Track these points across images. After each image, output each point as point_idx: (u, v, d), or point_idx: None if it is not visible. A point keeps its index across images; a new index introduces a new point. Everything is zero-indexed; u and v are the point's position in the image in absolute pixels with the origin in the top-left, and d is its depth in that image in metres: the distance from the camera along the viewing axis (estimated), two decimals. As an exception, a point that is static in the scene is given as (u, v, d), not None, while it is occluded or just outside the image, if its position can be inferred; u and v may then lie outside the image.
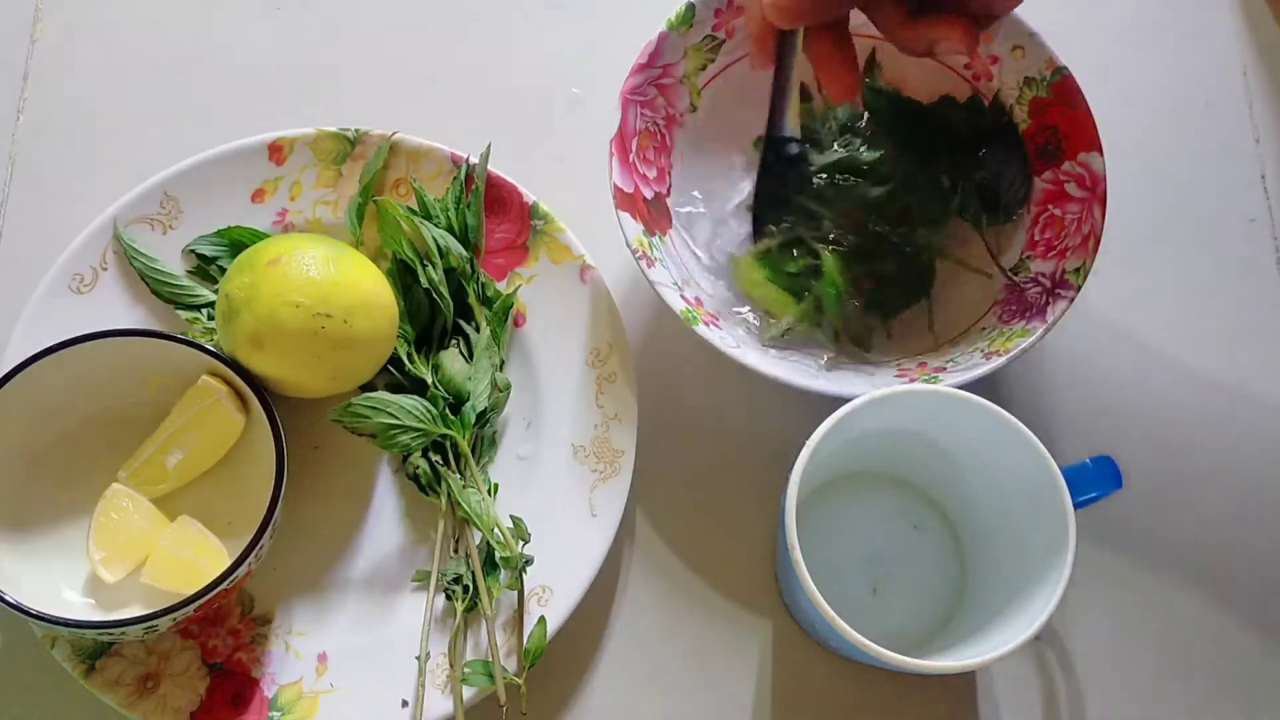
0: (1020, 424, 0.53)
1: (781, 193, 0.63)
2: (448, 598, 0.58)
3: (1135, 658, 0.61)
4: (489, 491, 0.59)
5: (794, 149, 0.62)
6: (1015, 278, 0.61)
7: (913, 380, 0.58)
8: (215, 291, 0.60)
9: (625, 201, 0.59)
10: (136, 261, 0.61)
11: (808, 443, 0.52)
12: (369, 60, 0.72)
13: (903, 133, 0.64)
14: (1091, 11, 0.74)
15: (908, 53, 0.54)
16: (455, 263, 0.61)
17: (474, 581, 0.57)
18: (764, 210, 0.63)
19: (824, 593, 0.50)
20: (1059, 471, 0.52)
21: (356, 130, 0.64)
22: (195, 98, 0.70)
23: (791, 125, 0.61)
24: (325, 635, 0.58)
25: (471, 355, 0.61)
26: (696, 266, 0.63)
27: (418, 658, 0.56)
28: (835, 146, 0.63)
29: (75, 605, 0.55)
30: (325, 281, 0.56)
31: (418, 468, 0.59)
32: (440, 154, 0.64)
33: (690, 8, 0.62)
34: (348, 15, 0.73)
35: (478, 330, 0.61)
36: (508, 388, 0.61)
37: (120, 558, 0.56)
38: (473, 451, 0.60)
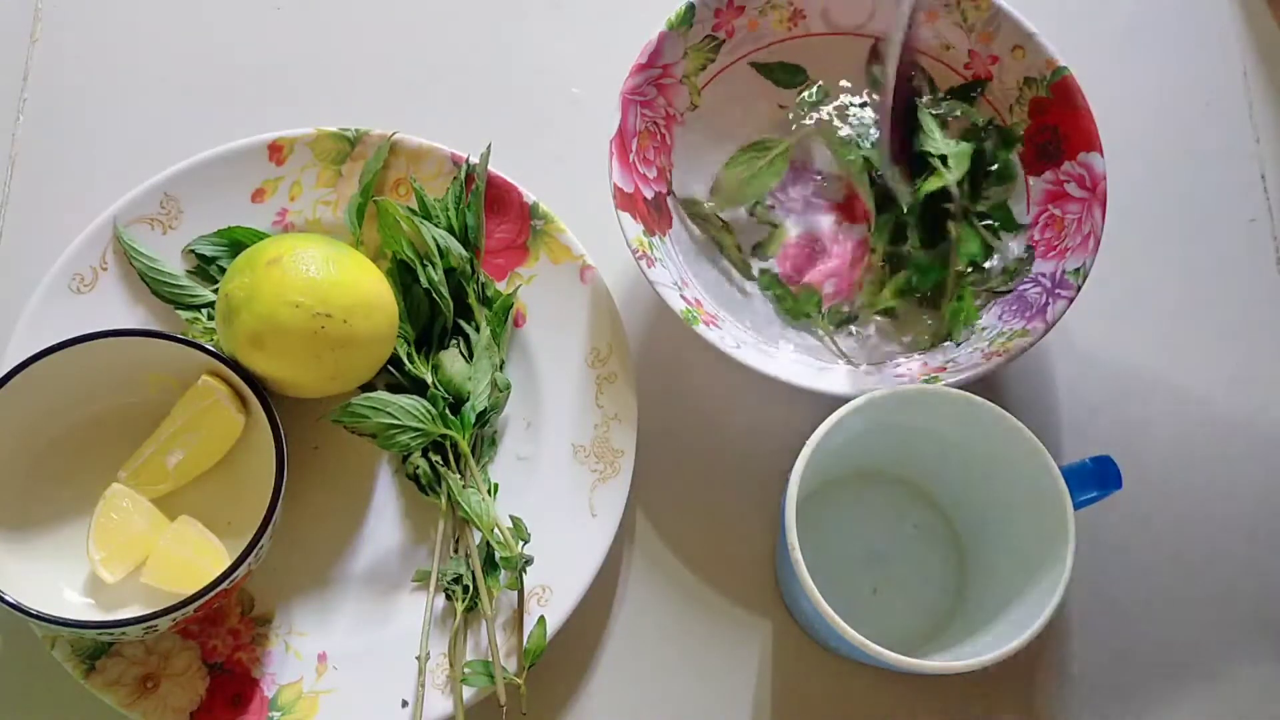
0: (1020, 424, 0.53)
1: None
2: (448, 598, 0.58)
3: (1135, 658, 0.61)
4: (489, 491, 0.59)
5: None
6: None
7: (913, 380, 0.58)
8: (215, 291, 0.60)
9: (625, 201, 0.59)
10: (136, 261, 0.61)
11: (808, 443, 0.52)
12: (369, 60, 0.72)
13: None
14: (1091, 11, 0.74)
15: None
16: (455, 263, 0.61)
17: (474, 581, 0.57)
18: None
19: (824, 593, 0.50)
20: (1059, 471, 0.52)
21: (356, 130, 0.64)
22: (195, 98, 0.70)
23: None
24: (325, 635, 0.58)
25: (471, 355, 0.61)
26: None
27: (418, 658, 0.56)
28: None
29: (75, 605, 0.55)
30: (325, 281, 0.56)
31: (418, 468, 0.59)
32: (440, 154, 0.64)
33: (690, 8, 0.62)
34: (348, 15, 0.73)
35: (478, 330, 0.61)
36: (508, 388, 0.61)
37: (120, 558, 0.56)
38: (473, 451, 0.60)
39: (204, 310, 0.61)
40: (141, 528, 0.56)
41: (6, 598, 0.52)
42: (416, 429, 0.58)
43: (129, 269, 0.62)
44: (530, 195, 0.63)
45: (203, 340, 0.58)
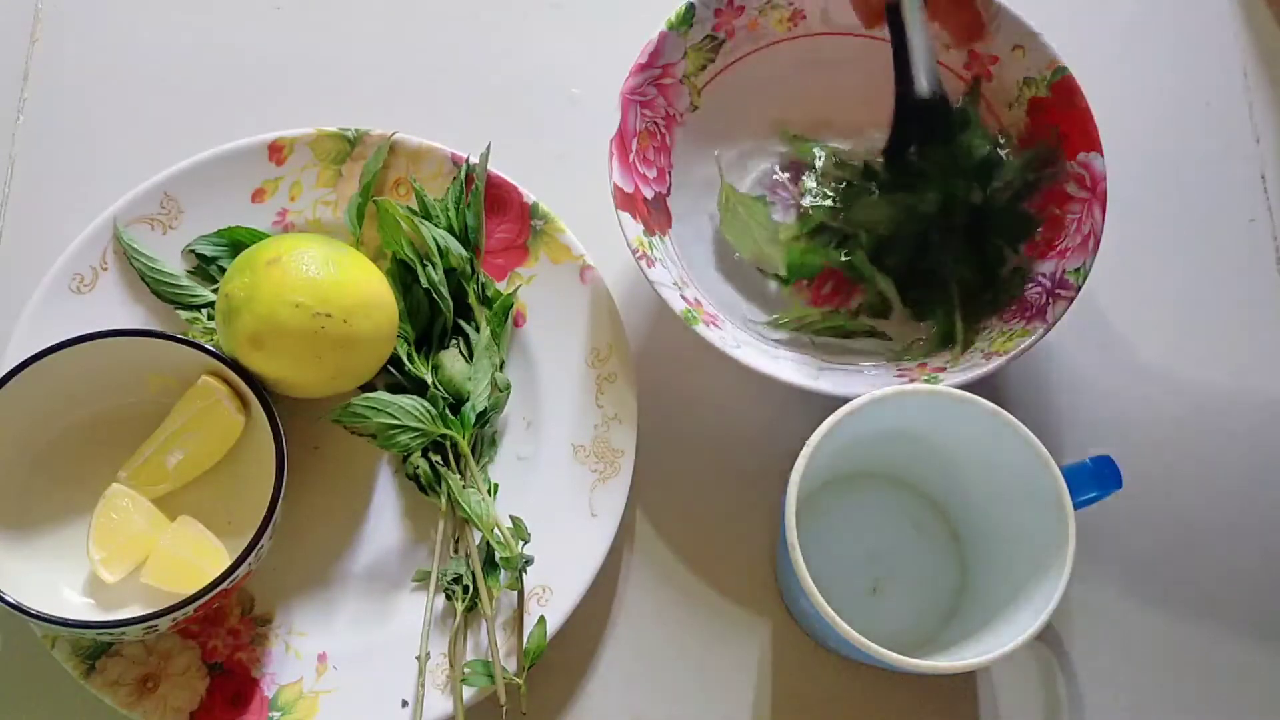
0: (1020, 424, 0.53)
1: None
2: (448, 598, 0.58)
3: (1135, 658, 0.61)
4: (489, 491, 0.59)
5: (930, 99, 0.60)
6: None
7: (913, 380, 0.58)
8: (215, 291, 0.60)
9: (625, 201, 0.59)
10: (136, 261, 0.61)
11: (808, 443, 0.52)
12: (369, 60, 0.72)
13: None
14: (1091, 11, 0.74)
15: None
16: (455, 263, 0.61)
17: (474, 581, 0.57)
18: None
19: (824, 593, 0.50)
20: (1059, 471, 0.52)
21: (356, 130, 0.64)
22: (195, 98, 0.70)
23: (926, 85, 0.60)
24: (325, 635, 0.58)
25: (471, 355, 0.61)
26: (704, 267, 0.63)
27: (418, 658, 0.56)
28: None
29: (75, 605, 0.55)
30: (325, 281, 0.56)
31: (418, 468, 0.59)
32: (440, 154, 0.64)
33: (690, 8, 0.62)
34: (348, 15, 0.73)
35: (478, 330, 0.61)
36: (508, 388, 0.61)
37: (120, 558, 0.56)
38: (473, 451, 0.60)
39: (204, 310, 0.61)
40: (141, 528, 0.56)
41: (6, 598, 0.52)
42: (416, 429, 0.58)
43: (129, 269, 0.62)
44: (530, 195, 0.63)
45: (203, 340, 0.58)
